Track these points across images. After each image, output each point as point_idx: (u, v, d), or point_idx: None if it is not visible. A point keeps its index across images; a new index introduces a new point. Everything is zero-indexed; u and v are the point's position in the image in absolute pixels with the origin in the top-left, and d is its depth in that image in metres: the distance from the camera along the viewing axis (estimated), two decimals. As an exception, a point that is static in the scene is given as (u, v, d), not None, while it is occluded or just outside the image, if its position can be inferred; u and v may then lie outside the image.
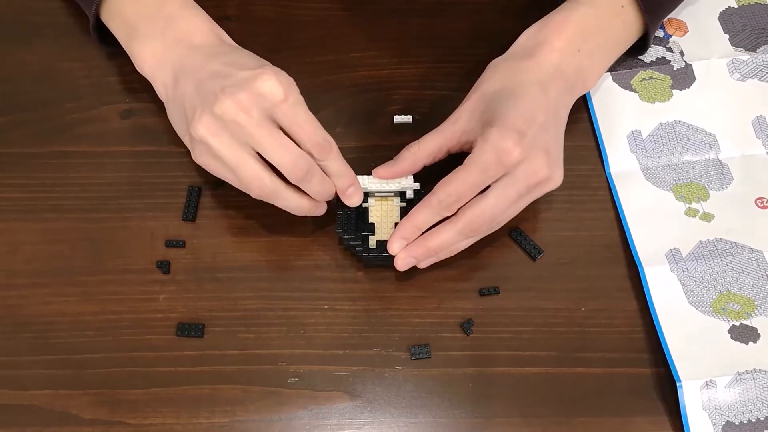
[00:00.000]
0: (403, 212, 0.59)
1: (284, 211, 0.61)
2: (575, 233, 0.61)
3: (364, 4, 0.69)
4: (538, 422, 0.55)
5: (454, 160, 0.58)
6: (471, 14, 0.70)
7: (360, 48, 0.68)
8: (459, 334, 0.57)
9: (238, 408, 0.55)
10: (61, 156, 0.63)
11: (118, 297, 0.58)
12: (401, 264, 0.56)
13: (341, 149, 0.63)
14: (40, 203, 0.61)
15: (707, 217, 0.61)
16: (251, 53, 0.58)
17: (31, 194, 0.62)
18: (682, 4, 0.68)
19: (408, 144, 0.59)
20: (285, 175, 0.54)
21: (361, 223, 0.59)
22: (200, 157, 0.55)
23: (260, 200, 0.62)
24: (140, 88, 0.65)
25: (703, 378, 0.54)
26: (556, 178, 0.57)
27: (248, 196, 0.61)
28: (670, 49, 0.68)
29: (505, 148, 0.54)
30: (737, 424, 0.54)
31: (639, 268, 0.59)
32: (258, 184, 0.54)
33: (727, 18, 0.69)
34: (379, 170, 0.58)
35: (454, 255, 0.58)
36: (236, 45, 0.60)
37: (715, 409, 0.54)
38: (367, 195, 0.60)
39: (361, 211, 0.59)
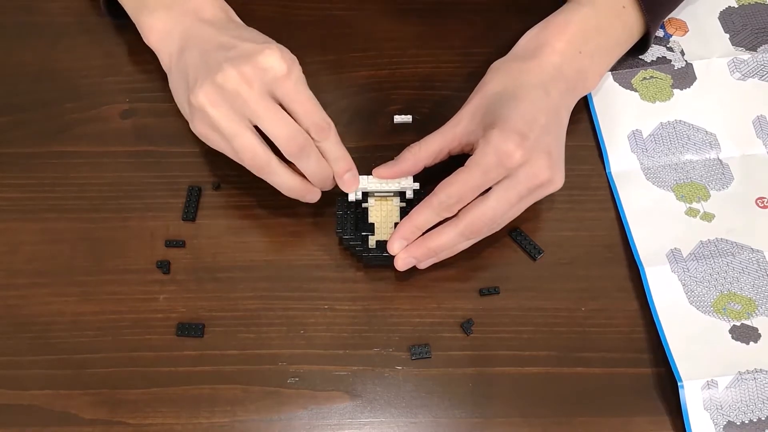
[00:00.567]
0: (403, 212, 0.59)
1: (284, 211, 0.61)
2: (575, 233, 0.61)
3: (364, 4, 0.69)
4: (538, 422, 0.55)
5: (454, 161, 0.58)
6: (471, 14, 0.70)
7: (360, 48, 0.68)
8: (459, 334, 0.57)
9: (238, 408, 0.55)
10: (61, 156, 0.63)
11: (118, 297, 0.58)
12: (401, 264, 0.56)
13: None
14: (40, 203, 0.61)
15: (708, 217, 0.61)
16: (258, 31, 0.58)
17: (31, 194, 0.62)
18: (683, 3, 0.68)
19: (409, 144, 0.59)
20: (281, 150, 0.54)
21: (360, 224, 0.59)
22: (198, 126, 0.56)
23: (259, 200, 0.62)
24: (140, 88, 0.66)
25: (704, 378, 0.54)
26: (557, 181, 0.57)
27: (248, 196, 0.62)
28: (670, 49, 0.68)
29: (506, 150, 0.54)
30: (738, 424, 0.54)
31: (640, 268, 0.59)
32: (251, 155, 0.54)
33: (727, 17, 0.69)
34: (379, 170, 0.58)
35: (454, 255, 0.58)
36: (243, 23, 0.60)
37: (717, 409, 0.54)
38: (366, 195, 0.60)
39: (361, 212, 0.59)
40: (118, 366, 0.56)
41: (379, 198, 0.60)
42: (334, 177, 0.58)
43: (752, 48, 0.67)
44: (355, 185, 0.58)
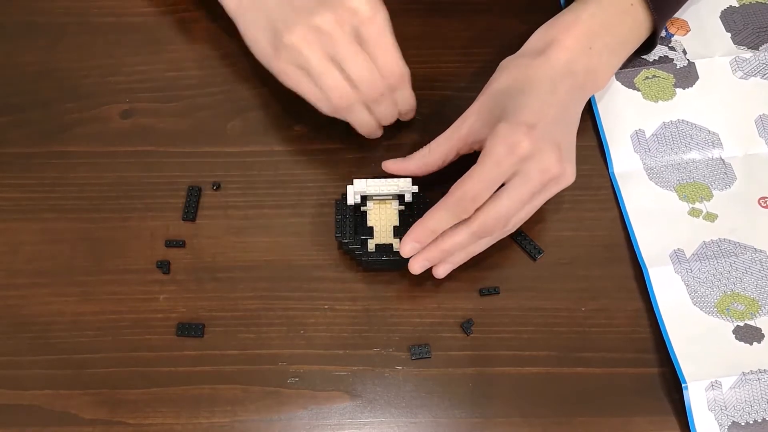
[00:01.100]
0: (402, 215, 0.59)
1: (284, 211, 0.61)
2: (576, 233, 0.61)
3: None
4: (538, 422, 0.55)
5: (453, 167, 0.58)
6: (472, 14, 0.70)
7: (360, 47, 0.68)
8: (459, 334, 0.57)
9: (238, 408, 0.55)
10: (61, 156, 0.63)
11: (118, 297, 0.58)
12: (417, 267, 0.56)
13: (341, 149, 0.64)
14: (40, 203, 0.61)
15: (711, 217, 0.61)
16: None
17: (31, 194, 0.62)
18: (686, 3, 0.67)
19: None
20: (361, 92, 0.57)
21: (359, 227, 0.59)
22: (283, 65, 0.57)
23: (259, 200, 0.62)
24: (140, 88, 0.66)
25: (708, 379, 0.54)
26: (568, 175, 0.56)
27: (248, 196, 0.62)
28: (672, 48, 0.67)
29: (515, 140, 0.53)
30: (743, 424, 0.53)
31: (643, 269, 0.59)
32: (339, 93, 0.56)
33: (728, 17, 0.69)
34: (387, 163, 0.59)
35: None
36: None
37: (721, 409, 0.54)
38: (365, 199, 0.59)
39: (360, 215, 0.59)
40: (118, 366, 0.56)
41: (378, 201, 0.60)
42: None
43: (754, 47, 0.67)
44: (410, 117, 0.62)
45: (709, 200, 0.62)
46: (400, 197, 0.60)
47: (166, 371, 0.56)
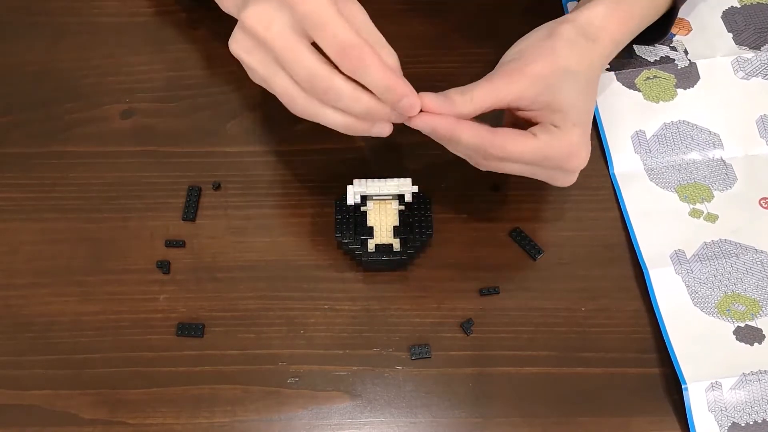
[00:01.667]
0: (402, 215, 0.59)
1: (284, 211, 0.61)
2: (576, 233, 0.61)
3: (365, 5, 0.69)
4: (538, 422, 0.54)
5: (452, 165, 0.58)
6: (472, 14, 0.70)
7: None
8: (459, 334, 0.57)
9: (238, 408, 0.55)
10: (61, 156, 0.63)
11: (118, 297, 0.58)
12: (418, 122, 0.51)
13: (341, 149, 0.63)
14: (40, 203, 0.61)
15: (711, 217, 0.61)
16: None
17: (31, 194, 0.62)
18: (687, 3, 0.67)
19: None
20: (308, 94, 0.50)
21: (359, 227, 0.59)
22: (250, 76, 0.52)
23: (259, 200, 0.62)
24: (140, 88, 0.66)
25: (709, 379, 0.54)
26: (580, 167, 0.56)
27: (248, 196, 0.62)
28: (674, 48, 0.67)
29: (578, 151, 0.53)
30: (743, 425, 0.53)
31: (643, 270, 0.59)
32: (288, 100, 0.50)
33: (730, 17, 0.69)
34: (426, 98, 0.51)
35: (454, 255, 0.58)
36: None
37: (721, 410, 0.54)
38: (365, 198, 0.59)
39: (360, 215, 0.59)
40: (118, 366, 0.56)
41: (378, 201, 0.60)
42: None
43: (756, 47, 0.67)
44: (415, 110, 0.50)
45: (710, 201, 0.61)
46: (400, 197, 0.60)
47: (166, 371, 0.56)
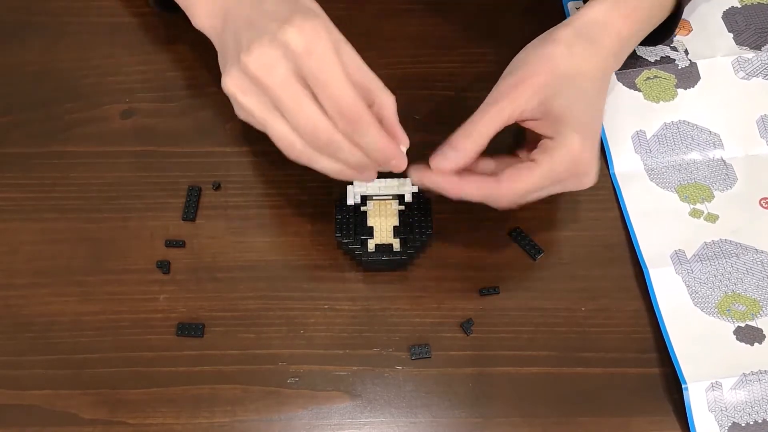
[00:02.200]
0: (402, 215, 0.59)
1: (284, 211, 0.61)
2: (576, 233, 0.61)
3: (364, 4, 0.69)
4: (538, 422, 0.54)
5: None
6: (472, 14, 0.70)
7: (360, 48, 0.67)
8: (459, 334, 0.57)
9: (238, 408, 0.55)
10: (61, 156, 0.63)
11: (118, 297, 0.58)
12: (415, 177, 0.54)
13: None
14: (40, 203, 0.61)
15: (712, 217, 0.61)
16: (300, 2, 0.50)
17: (31, 194, 0.62)
18: (690, 3, 0.67)
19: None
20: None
21: (359, 227, 0.59)
22: (237, 112, 0.52)
23: (259, 200, 0.62)
24: (140, 88, 0.66)
25: (709, 379, 0.54)
26: (593, 182, 0.56)
27: (248, 196, 0.62)
28: (674, 48, 0.67)
29: (582, 158, 0.53)
30: (743, 425, 0.53)
31: (644, 270, 0.59)
32: (285, 146, 0.50)
33: (730, 17, 0.69)
34: (437, 160, 0.53)
35: (454, 255, 0.58)
36: None
37: (721, 410, 0.54)
38: (365, 198, 0.59)
39: (360, 215, 0.59)
40: (118, 366, 0.56)
41: (378, 201, 0.60)
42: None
43: (756, 47, 0.67)
44: (402, 167, 0.52)
45: (710, 201, 0.61)
46: (399, 197, 0.60)
47: (166, 371, 0.56)
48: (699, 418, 0.53)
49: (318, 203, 0.61)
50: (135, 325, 0.57)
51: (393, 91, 0.52)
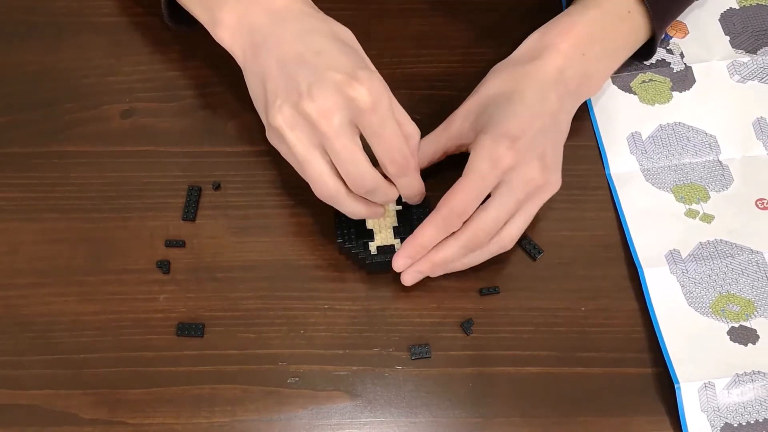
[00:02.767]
0: (400, 215, 0.59)
1: (284, 211, 0.61)
2: (575, 233, 0.61)
3: (365, 4, 0.69)
4: (538, 422, 0.55)
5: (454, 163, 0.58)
6: (472, 14, 0.70)
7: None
8: (459, 334, 0.57)
9: (238, 408, 0.55)
10: (61, 156, 0.63)
11: (118, 297, 0.58)
12: (409, 279, 0.56)
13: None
14: (40, 203, 0.61)
15: (707, 218, 0.61)
16: (340, 39, 0.54)
17: (31, 194, 0.62)
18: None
19: None
20: (349, 186, 0.53)
21: (360, 231, 0.59)
22: (272, 141, 0.55)
23: (259, 200, 0.62)
24: (140, 88, 0.66)
25: (702, 379, 0.54)
26: (553, 184, 0.57)
27: (248, 196, 0.62)
28: (670, 51, 0.68)
29: (498, 153, 0.54)
30: (736, 425, 0.54)
31: (638, 270, 0.59)
32: (320, 185, 0.53)
33: (728, 19, 0.69)
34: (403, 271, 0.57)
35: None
36: (320, 13, 0.56)
37: (714, 410, 0.54)
38: None
39: (359, 219, 0.59)
40: (118, 366, 0.56)
41: None
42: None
43: (752, 51, 0.67)
44: (419, 201, 0.58)
45: (706, 201, 0.62)
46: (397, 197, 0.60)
47: (166, 371, 0.56)
48: (691, 418, 0.54)
49: (318, 203, 0.61)
50: (135, 325, 0.57)
51: (393, 90, 0.53)
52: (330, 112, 0.50)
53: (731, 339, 0.56)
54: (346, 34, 0.55)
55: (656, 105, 0.66)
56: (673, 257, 0.59)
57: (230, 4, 0.56)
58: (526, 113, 0.56)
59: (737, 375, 0.55)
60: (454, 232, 0.55)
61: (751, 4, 0.69)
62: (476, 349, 0.57)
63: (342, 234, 0.58)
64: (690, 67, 0.67)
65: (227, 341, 0.57)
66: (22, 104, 0.65)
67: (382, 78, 0.52)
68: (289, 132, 0.52)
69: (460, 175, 0.55)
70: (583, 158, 0.64)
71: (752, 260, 0.59)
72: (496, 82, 0.59)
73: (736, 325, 0.57)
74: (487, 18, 0.69)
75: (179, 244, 0.60)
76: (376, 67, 0.54)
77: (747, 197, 0.62)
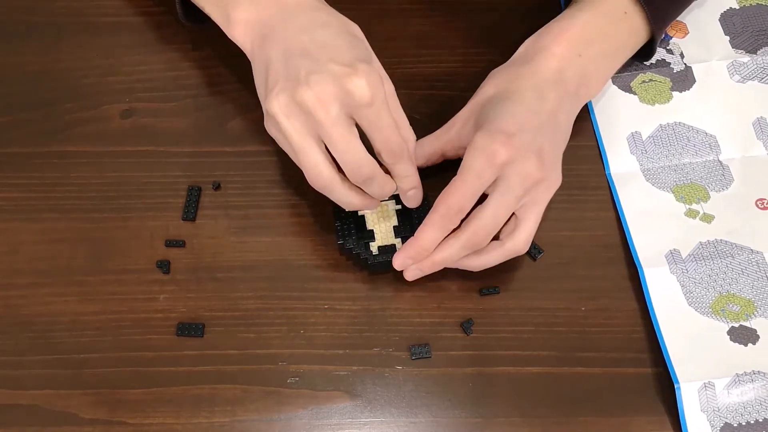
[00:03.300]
0: (400, 215, 0.59)
1: (284, 211, 0.61)
2: (575, 233, 0.61)
3: (365, 4, 0.69)
4: (538, 422, 0.55)
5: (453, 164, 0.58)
6: (472, 14, 0.70)
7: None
8: (459, 334, 0.57)
9: (238, 408, 0.55)
10: (61, 156, 0.63)
11: (118, 297, 0.58)
12: (410, 275, 0.57)
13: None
14: (40, 203, 0.61)
15: (707, 218, 0.61)
16: (348, 33, 0.55)
17: (31, 194, 0.62)
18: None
19: None
20: (346, 175, 0.54)
21: (360, 231, 0.59)
22: (269, 129, 0.55)
23: (259, 200, 0.62)
24: (140, 88, 0.66)
25: (702, 379, 0.54)
26: (552, 180, 0.56)
27: (248, 196, 0.62)
28: (670, 51, 0.68)
29: (492, 149, 0.54)
30: (735, 425, 0.54)
31: (638, 269, 0.59)
32: (315, 174, 0.53)
33: (728, 19, 0.69)
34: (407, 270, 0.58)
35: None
36: (330, 8, 0.57)
37: (714, 410, 0.54)
38: None
39: (359, 219, 0.59)
40: (118, 366, 0.56)
41: None
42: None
43: (752, 51, 0.67)
44: (417, 203, 0.58)
45: (706, 201, 0.62)
46: (396, 197, 0.60)
47: (166, 371, 0.56)
48: (691, 418, 0.54)
49: (318, 203, 0.61)
50: (135, 325, 0.57)
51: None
52: (326, 101, 0.51)
53: (731, 339, 0.56)
54: (355, 28, 0.56)
55: (656, 105, 0.66)
56: (673, 257, 0.59)
57: (244, 5, 0.57)
58: (522, 111, 0.56)
59: (737, 375, 0.55)
60: (455, 231, 0.55)
61: (751, 4, 0.69)
62: (476, 349, 0.57)
63: (343, 234, 0.58)
64: (690, 67, 0.67)
65: (227, 341, 0.57)
66: (22, 104, 0.65)
67: (385, 73, 0.54)
68: (285, 120, 0.52)
69: (457, 175, 0.55)
70: (583, 158, 0.64)
71: (752, 260, 0.59)
72: (492, 86, 0.59)
73: (736, 325, 0.57)
74: (487, 18, 0.69)
75: (179, 244, 0.60)
76: (377, 67, 0.54)
77: (747, 197, 0.62)
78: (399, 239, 0.59)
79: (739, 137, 0.64)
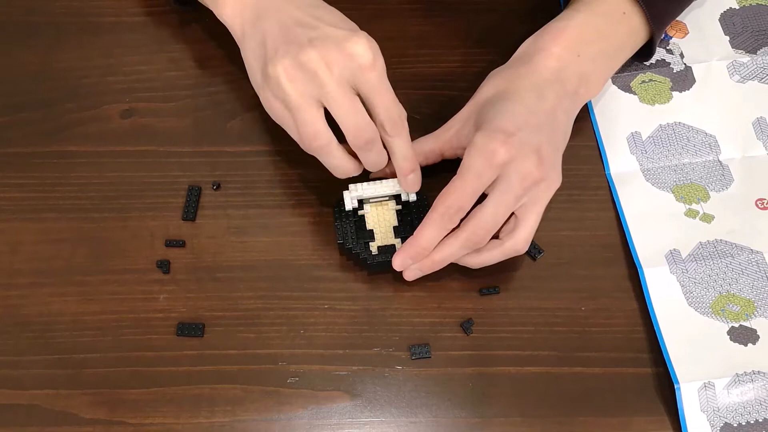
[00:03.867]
0: (400, 215, 0.59)
1: (284, 211, 0.61)
2: (575, 233, 0.61)
3: (364, 4, 0.69)
4: (538, 422, 0.55)
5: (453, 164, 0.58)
6: (473, 14, 0.70)
7: (360, 48, 0.68)
8: (459, 334, 0.57)
9: (238, 408, 0.55)
10: (61, 156, 0.63)
11: (118, 297, 0.58)
12: (410, 275, 0.57)
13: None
14: (40, 203, 0.61)
15: (707, 218, 0.61)
16: (336, 10, 0.56)
17: (31, 194, 0.62)
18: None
19: None
20: (347, 139, 0.54)
21: (360, 231, 0.59)
22: (267, 97, 0.54)
23: (259, 200, 0.62)
24: (140, 88, 0.66)
25: (702, 379, 0.54)
26: (552, 179, 0.56)
27: (248, 196, 0.62)
28: (670, 51, 0.68)
29: (491, 149, 0.54)
30: (735, 425, 0.54)
31: (638, 270, 0.59)
32: (313, 132, 0.53)
33: (728, 19, 0.69)
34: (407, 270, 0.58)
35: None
36: None
37: (714, 410, 0.54)
38: (362, 202, 0.59)
39: (359, 219, 0.59)
40: (118, 366, 0.56)
41: (375, 204, 0.60)
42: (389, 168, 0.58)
43: (752, 51, 0.67)
44: (416, 187, 0.58)
45: (706, 201, 0.62)
46: (396, 197, 0.60)
47: (166, 371, 0.56)
48: (691, 418, 0.54)
49: (318, 203, 0.61)
50: (135, 325, 0.57)
51: (393, 90, 0.54)
52: (331, 62, 0.52)
53: (731, 339, 0.56)
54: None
55: (656, 105, 0.66)
56: (673, 257, 0.59)
57: None
58: (521, 110, 0.56)
59: (737, 375, 0.55)
60: (455, 230, 0.55)
61: (751, 4, 0.69)
62: (476, 349, 0.57)
63: (343, 234, 0.58)
64: (690, 67, 0.67)
65: (227, 341, 0.57)
66: (22, 104, 0.65)
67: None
68: (287, 82, 0.52)
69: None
70: (583, 158, 0.64)
71: (752, 260, 0.59)
72: (491, 86, 0.59)
73: (736, 325, 0.57)
74: (487, 18, 0.70)
75: (179, 244, 0.60)
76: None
77: (747, 197, 0.62)
78: (399, 239, 0.59)
79: (738, 137, 0.64)
